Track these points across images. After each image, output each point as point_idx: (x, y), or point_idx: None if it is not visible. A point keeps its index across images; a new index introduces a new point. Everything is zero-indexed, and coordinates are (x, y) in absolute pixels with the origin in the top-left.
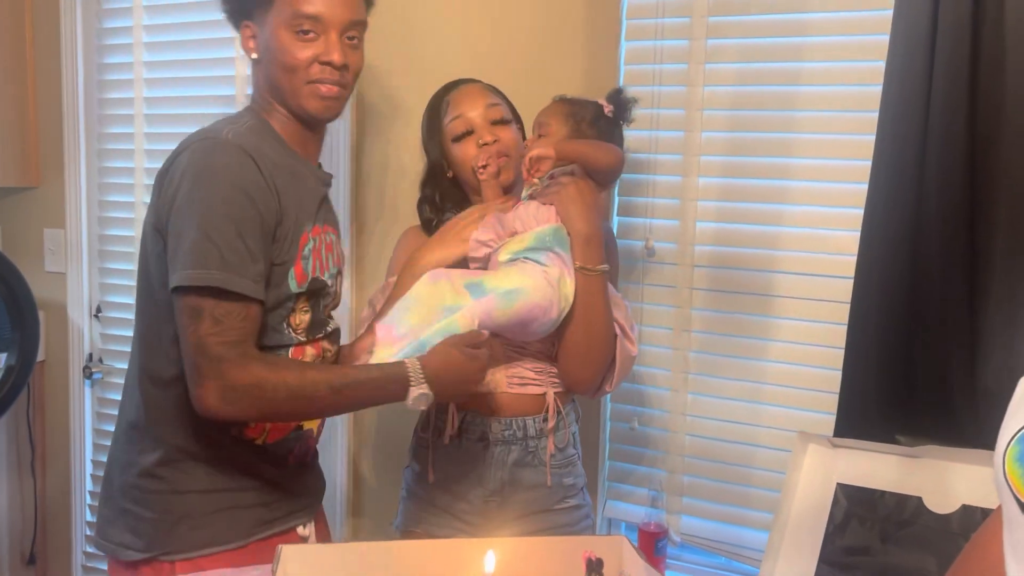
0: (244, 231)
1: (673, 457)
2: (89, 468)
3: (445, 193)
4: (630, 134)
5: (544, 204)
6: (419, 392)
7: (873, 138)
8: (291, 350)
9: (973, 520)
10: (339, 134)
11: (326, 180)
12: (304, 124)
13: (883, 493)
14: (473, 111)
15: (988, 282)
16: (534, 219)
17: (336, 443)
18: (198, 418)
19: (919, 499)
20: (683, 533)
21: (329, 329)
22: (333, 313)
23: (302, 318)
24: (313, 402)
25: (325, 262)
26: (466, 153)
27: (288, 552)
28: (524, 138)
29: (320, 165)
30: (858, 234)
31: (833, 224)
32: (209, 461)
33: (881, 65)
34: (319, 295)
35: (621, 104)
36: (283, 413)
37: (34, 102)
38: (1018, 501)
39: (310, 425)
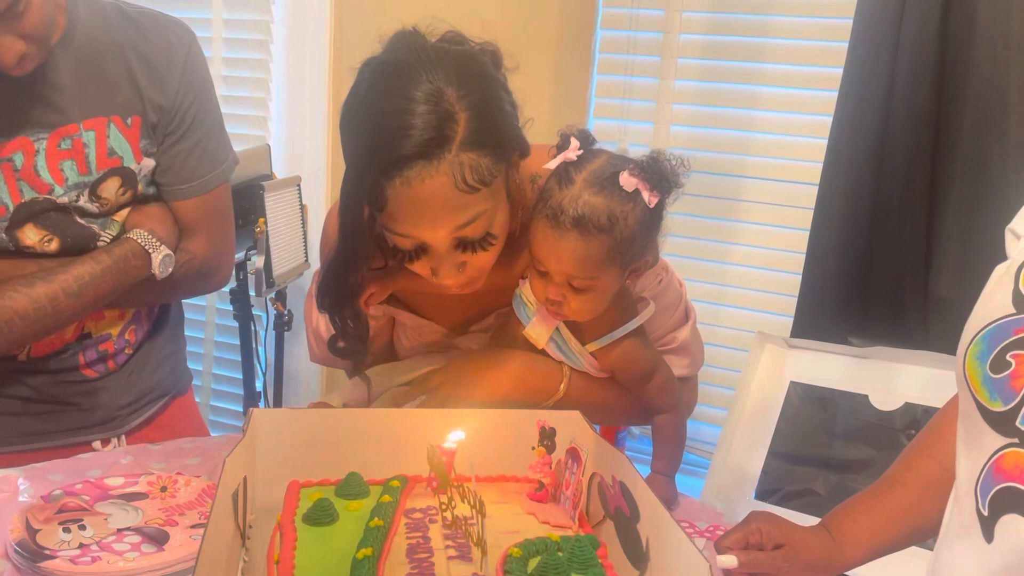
0: None
1: None
2: None
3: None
4: (607, 34)
5: None
6: (163, 255)
7: (847, 45)
8: None
9: (914, 416)
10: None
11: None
12: None
13: (832, 391)
14: (434, 238)
15: (946, 196)
16: None
17: None
18: None
19: (865, 397)
20: (641, 428)
21: (104, 243)
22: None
23: (45, 248)
24: (58, 315)
25: (43, 176)
26: (417, 267)
27: (259, 416)
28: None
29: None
30: (826, 142)
31: (803, 131)
32: None
33: None
34: (65, 215)
35: (668, 180)
36: (31, 338)
37: None
38: (973, 398)
39: (104, 329)
